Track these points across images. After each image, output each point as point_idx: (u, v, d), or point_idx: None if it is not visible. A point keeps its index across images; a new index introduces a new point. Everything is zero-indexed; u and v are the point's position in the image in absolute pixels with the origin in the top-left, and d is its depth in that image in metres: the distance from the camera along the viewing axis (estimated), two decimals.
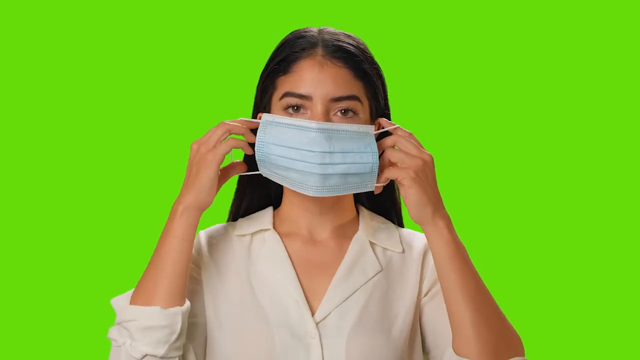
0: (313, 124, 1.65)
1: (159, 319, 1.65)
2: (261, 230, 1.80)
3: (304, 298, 1.72)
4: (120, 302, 1.69)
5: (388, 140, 1.69)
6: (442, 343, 1.74)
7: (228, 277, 1.77)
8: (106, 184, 2.85)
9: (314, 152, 1.65)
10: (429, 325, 1.77)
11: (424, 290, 1.78)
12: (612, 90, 2.95)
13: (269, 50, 1.78)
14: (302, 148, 1.65)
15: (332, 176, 1.66)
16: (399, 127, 1.70)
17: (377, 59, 1.77)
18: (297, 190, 1.69)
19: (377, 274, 1.77)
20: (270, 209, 1.83)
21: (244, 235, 1.80)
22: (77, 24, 2.87)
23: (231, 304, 1.74)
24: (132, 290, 1.71)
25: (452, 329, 1.68)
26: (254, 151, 1.70)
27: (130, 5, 2.87)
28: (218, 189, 1.72)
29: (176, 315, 1.66)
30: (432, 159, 1.67)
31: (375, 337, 1.71)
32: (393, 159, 1.67)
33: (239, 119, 1.71)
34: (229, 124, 1.69)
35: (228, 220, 1.87)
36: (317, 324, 1.71)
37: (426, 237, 1.68)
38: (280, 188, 1.83)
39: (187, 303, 1.69)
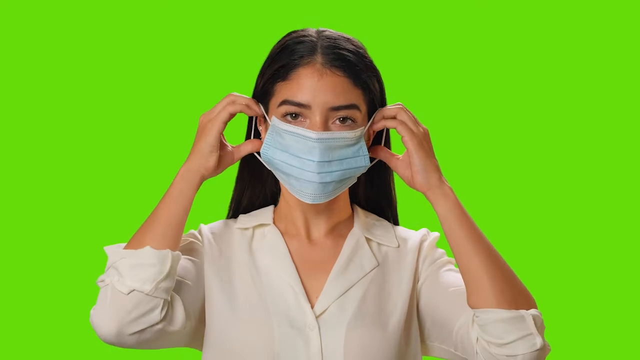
0: (313, 134, 1.67)
1: (149, 257, 1.66)
2: (262, 225, 1.83)
3: (304, 291, 1.75)
4: (114, 247, 1.71)
5: (387, 112, 1.73)
6: (446, 321, 1.76)
7: (229, 266, 1.79)
8: (105, 183, 2.87)
9: (313, 161, 1.67)
10: (427, 306, 1.79)
11: (421, 278, 1.80)
12: (611, 89, 2.96)
13: (268, 48, 1.78)
14: (302, 156, 1.68)
15: (329, 184, 1.70)
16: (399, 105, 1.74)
17: (374, 57, 1.77)
18: (296, 197, 1.72)
19: (373, 268, 1.79)
20: (271, 207, 1.85)
21: (245, 228, 1.82)
22: (77, 24, 2.88)
23: (231, 296, 1.76)
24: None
25: (467, 287, 1.69)
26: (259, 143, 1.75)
27: (130, 5, 2.88)
28: (230, 163, 1.76)
29: (166, 256, 1.67)
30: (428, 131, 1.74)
31: (373, 330, 1.73)
32: (399, 132, 1.71)
33: (249, 97, 1.75)
34: (233, 96, 1.73)
35: (227, 217, 1.89)
36: (316, 317, 1.73)
37: (433, 202, 1.71)
38: (278, 187, 1.85)
39: (179, 252, 1.71)
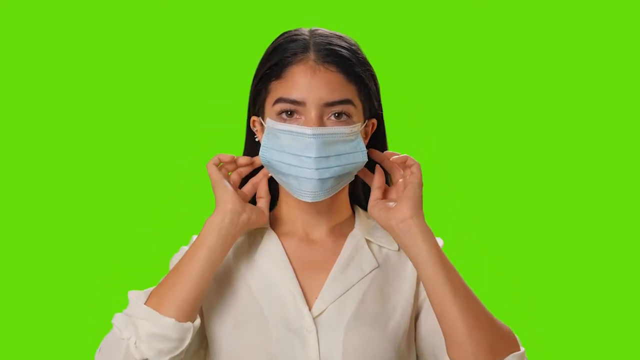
0: (308, 130, 1.66)
1: (171, 330, 1.65)
2: (258, 229, 1.81)
3: (302, 293, 1.74)
4: (137, 297, 1.69)
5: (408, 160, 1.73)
6: (436, 351, 1.75)
7: (225, 274, 1.78)
8: (106, 184, 2.86)
9: (310, 157, 1.67)
10: (423, 325, 1.78)
11: (422, 293, 1.79)
12: (610, 91, 2.96)
13: (263, 50, 1.78)
14: (299, 154, 1.68)
15: (328, 180, 1.69)
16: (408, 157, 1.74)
17: (369, 57, 1.77)
18: (296, 197, 1.72)
19: (373, 269, 1.78)
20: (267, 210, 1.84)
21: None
22: (78, 24, 2.88)
23: (229, 301, 1.76)
24: (151, 288, 1.71)
25: (445, 337, 1.67)
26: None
27: (129, 6, 2.87)
28: (263, 219, 1.76)
29: (188, 331, 1.67)
30: None
31: (372, 332, 1.72)
32: (413, 169, 1.71)
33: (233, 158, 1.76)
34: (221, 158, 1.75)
35: None
36: (314, 318, 1.72)
37: (412, 236, 1.68)
38: (276, 190, 1.84)
39: (198, 319, 1.70)
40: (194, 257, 1.69)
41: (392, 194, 1.75)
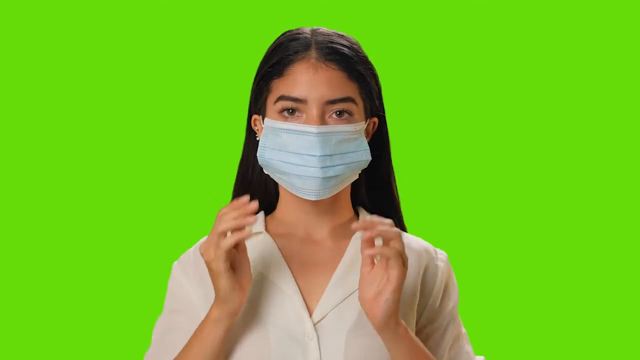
0: (313, 129, 1.66)
1: None
2: (254, 234, 1.76)
3: (301, 299, 1.71)
4: None
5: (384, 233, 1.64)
6: None
7: None
8: (106, 185, 2.87)
9: (314, 156, 1.66)
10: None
11: (425, 311, 1.79)
12: (612, 92, 2.96)
13: (263, 50, 1.78)
14: (303, 153, 1.67)
15: (332, 178, 1.68)
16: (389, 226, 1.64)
17: (370, 57, 1.77)
18: (299, 195, 1.70)
19: None
20: (261, 214, 1.81)
21: None
22: (79, 24, 2.89)
23: None
24: None
25: None
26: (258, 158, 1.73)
27: (129, 6, 2.88)
28: (244, 274, 1.68)
29: None
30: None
31: (374, 338, 1.69)
32: (391, 264, 1.62)
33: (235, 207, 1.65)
34: (225, 223, 1.62)
35: None
36: (314, 324, 1.70)
37: (386, 343, 1.65)
38: (274, 192, 1.83)
39: None
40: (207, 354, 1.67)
41: (377, 276, 1.65)
